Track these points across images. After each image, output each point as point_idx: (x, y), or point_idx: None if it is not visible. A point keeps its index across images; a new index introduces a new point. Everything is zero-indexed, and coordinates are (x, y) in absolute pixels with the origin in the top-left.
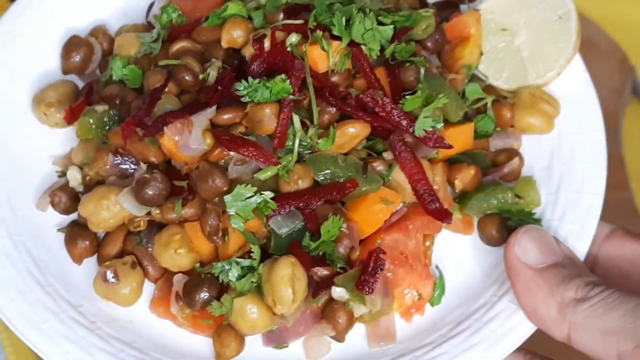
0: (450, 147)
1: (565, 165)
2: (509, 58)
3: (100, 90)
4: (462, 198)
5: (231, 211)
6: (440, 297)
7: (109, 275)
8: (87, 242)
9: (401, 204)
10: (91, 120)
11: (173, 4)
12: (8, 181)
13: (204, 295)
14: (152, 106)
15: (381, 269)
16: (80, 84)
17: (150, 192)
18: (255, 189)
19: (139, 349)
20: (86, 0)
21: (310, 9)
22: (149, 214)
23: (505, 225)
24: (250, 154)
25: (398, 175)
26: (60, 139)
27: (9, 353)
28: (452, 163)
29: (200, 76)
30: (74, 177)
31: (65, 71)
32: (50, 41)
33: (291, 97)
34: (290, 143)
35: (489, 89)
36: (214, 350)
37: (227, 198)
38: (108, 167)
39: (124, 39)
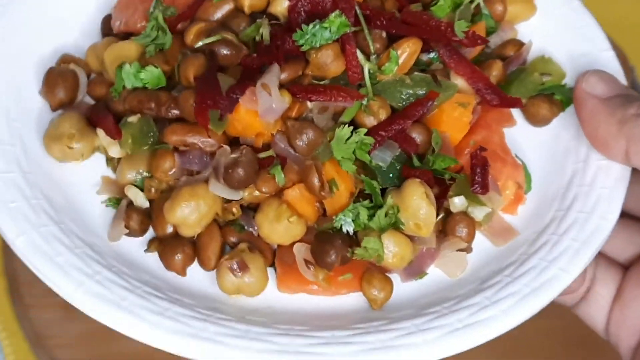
0: (486, 41)
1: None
2: None
3: (117, 106)
4: None
5: (339, 157)
6: (530, 183)
7: (235, 266)
8: (186, 250)
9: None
10: (134, 132)
11: (161, 2)
12: (70, 225)
13: (339, 250)
14: (217, 86)
15: (488, 166)
16: None
17: (243, 172)
18: (351, 128)
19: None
20: (42, 32)
21: None
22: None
23: (551, 101)
24: (334, 97)
25: (456, 81)
26: (72, 173)
27: (7, 353)
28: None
29: (256, 37)
30: (136, 195)
31: (55, 107)
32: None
33: (352, 29)
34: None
35: None
36: (367, 300)
37: (333, 144)
38: (175, 169)
39: (118, 49)
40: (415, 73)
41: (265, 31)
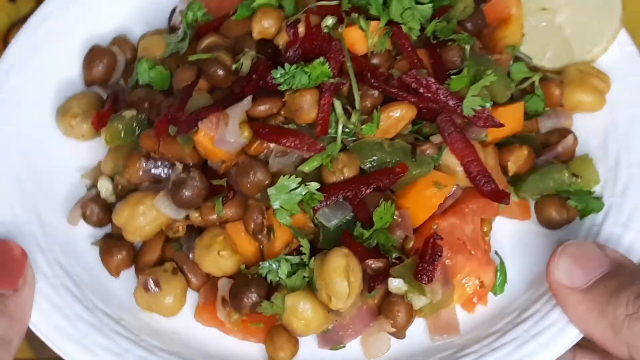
0: (501, 125)
1: (621, 142)
2: (552, 37)
3: (126, 97)
4: (515, 181)
5: (275, 205)
6: (503, 285)
7: (150, 284)
8: (123, 253)
9: (455, 187)
10: (120, 126)
11: (198, 2)
12: (36, 196)
13: (252, 296)
14: (185, 102)
15: (439, 256)
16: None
17: (188, 193)
18: (299, 179)
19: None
20: (106, 11)
21: None
22: (187, 218)
23: (565, 205)
24: (292, 144)
25: (448, 159)
26: (87, 152)
27: None
28: (502, 146)
29: (234, 66)
30: (105, 187)
31: (88, 82)
32: (72, 52)
33: (332, 80)
34: (333, 130)
35: (533, 69)
36: (267, 356)
37: (270, 191)
38: (140, 173)
39: (149, 42)
40: (398, 140)
41: (246, 62)
